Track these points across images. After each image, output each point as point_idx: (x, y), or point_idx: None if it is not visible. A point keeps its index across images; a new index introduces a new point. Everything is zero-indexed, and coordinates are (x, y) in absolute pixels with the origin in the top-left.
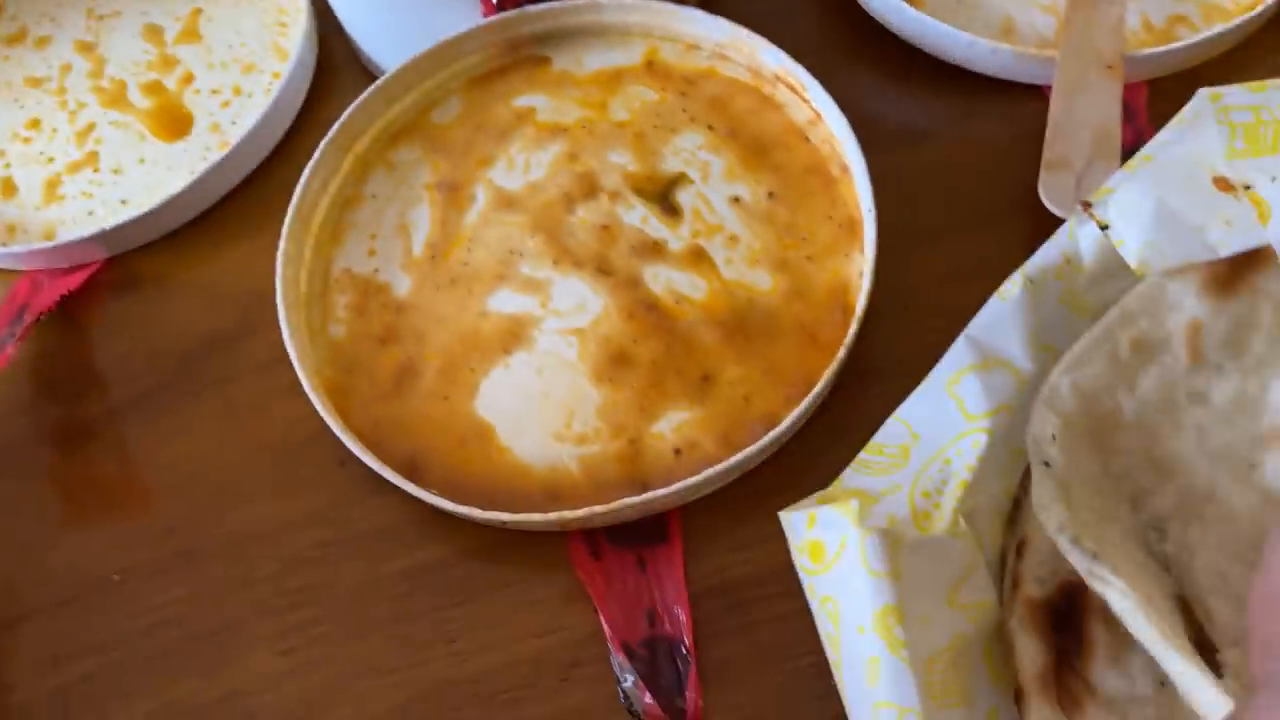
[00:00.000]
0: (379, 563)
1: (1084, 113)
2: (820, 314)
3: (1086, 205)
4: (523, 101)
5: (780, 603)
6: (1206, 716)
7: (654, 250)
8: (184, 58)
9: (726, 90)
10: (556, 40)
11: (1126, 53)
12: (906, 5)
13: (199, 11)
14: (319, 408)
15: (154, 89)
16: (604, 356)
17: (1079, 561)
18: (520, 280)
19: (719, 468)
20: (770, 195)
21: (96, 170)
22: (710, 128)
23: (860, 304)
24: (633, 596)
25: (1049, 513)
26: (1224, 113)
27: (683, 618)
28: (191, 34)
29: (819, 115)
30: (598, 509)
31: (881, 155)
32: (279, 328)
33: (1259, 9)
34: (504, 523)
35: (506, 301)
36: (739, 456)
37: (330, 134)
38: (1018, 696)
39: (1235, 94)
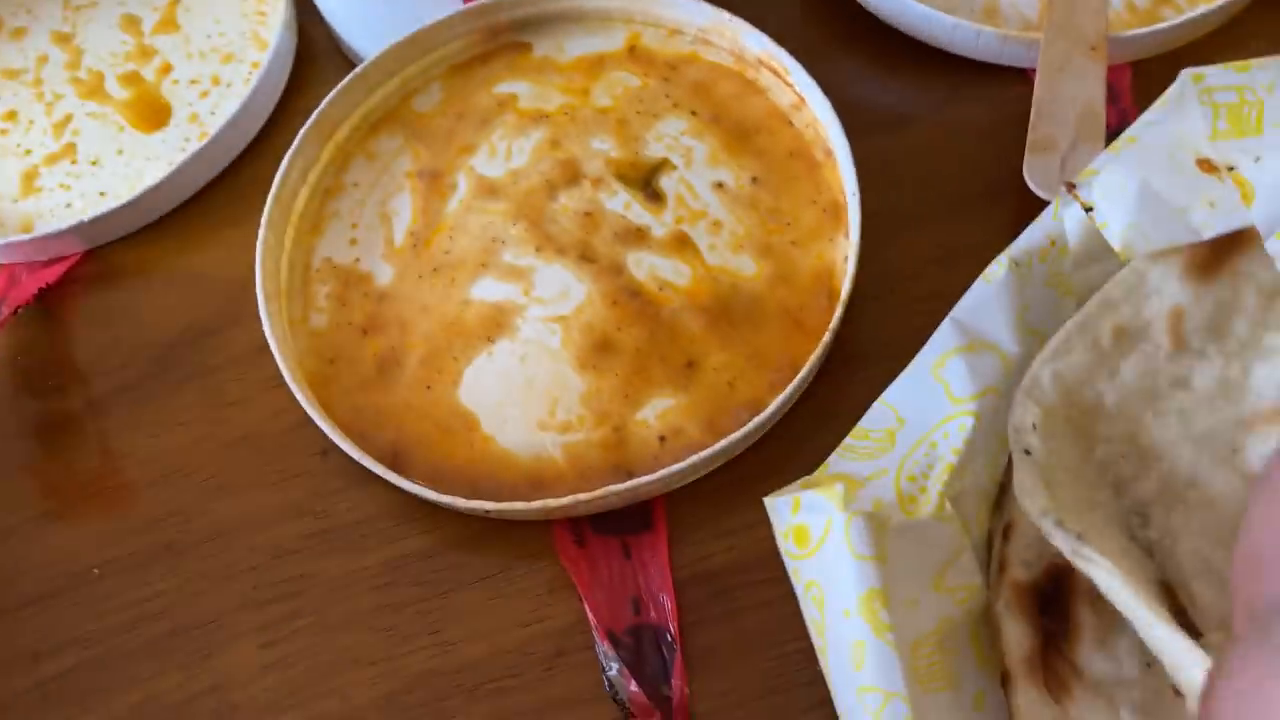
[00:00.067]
0: (362, 554)
1: (1068, 95)
2: (805, 299)
3: (1070, 187)
4: (504, 88)
5: (765, 589)
6: (1186, 677)
7: (637, 237)
8: (162, 48)
9: (709, 75)
10: (537, 26)
11: (1110, 34)
12: None
13: (177, 1)
14: (300, 398)
15: (132, 80)
16: (587, 344)
17: (1063, 543)
18: (503, 268)
19: (704, 454)
20: (754, 180)
21: (74, 162)
22: (693, 113)
23: (845, 288)
24: (617, 584)
25: (1031, 498)
26: (1207, 94)
27: (668, 605)
28: (169, 24)
29: (802, 100)
30: (582, 497)
31: (865, 139)
32: (259, 318)
33: None
34: (487, 512)
35: (489, 290)
36: (724, 443)
37: (309, 122)
38: (1004, 680)
39: (1218, 74)
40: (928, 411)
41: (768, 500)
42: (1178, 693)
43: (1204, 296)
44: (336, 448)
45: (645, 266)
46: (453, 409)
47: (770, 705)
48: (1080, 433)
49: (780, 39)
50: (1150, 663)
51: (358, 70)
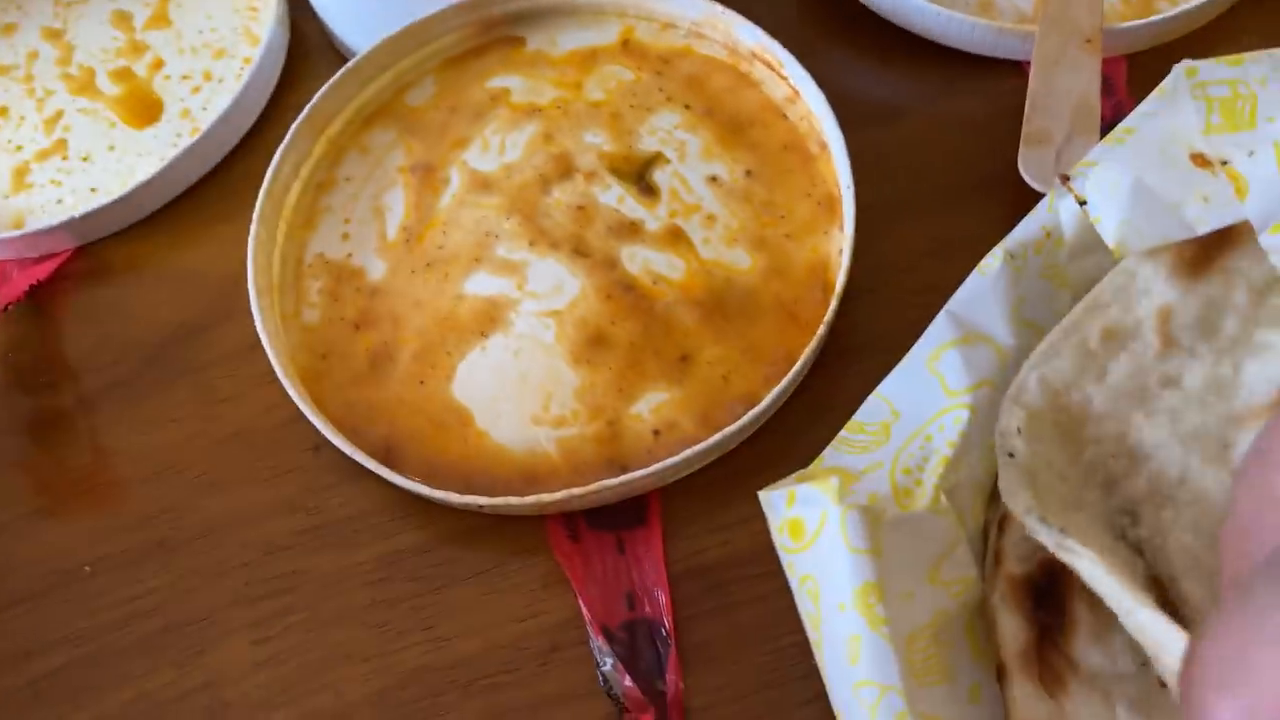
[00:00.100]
0: (355, 550)
1: (1063, 87)
2: (799, 292)
3: (1065, 179)
4: (497, 82)
5: (760, 583)
6: (1169, 659)
7: (631, 231)
8: (153, 43)
9: (703, 68)
10: (531, 20)
11: (1105, 27)
12: None
13: None
14: (292, 394)
15: (123, 75)
16: (581, 338)
17: (1047, 538)
18: (496, 262)
19: (698, 448)
20: (748, 173)
21: (65, 158)
22: (687, 106)
23: (840, 281)
24: (612, 579)
25: (1014, 498)
26: (1200, 88)
27: (662, 600)
28: (161, 19)
29: (797, 92)
30: (575, 491)
31: (860, 132)
32: (251, 314)
33: None
34: (481, 507)
35: (482, 284)
36: (718, 436)
37: (301, 117)
38: (999, 673)
39: (1212, 68)
40: (923, 404)
41: (762, 494)
42: (1164, 684)
43: (1193, 294)
44: (329, 443)
45: (639, 260)
46: (446, 404)
47: (765, 700)
48: (1068, 437)
49: (774, 32)
50: (1146, 659)
51: (350, 64)
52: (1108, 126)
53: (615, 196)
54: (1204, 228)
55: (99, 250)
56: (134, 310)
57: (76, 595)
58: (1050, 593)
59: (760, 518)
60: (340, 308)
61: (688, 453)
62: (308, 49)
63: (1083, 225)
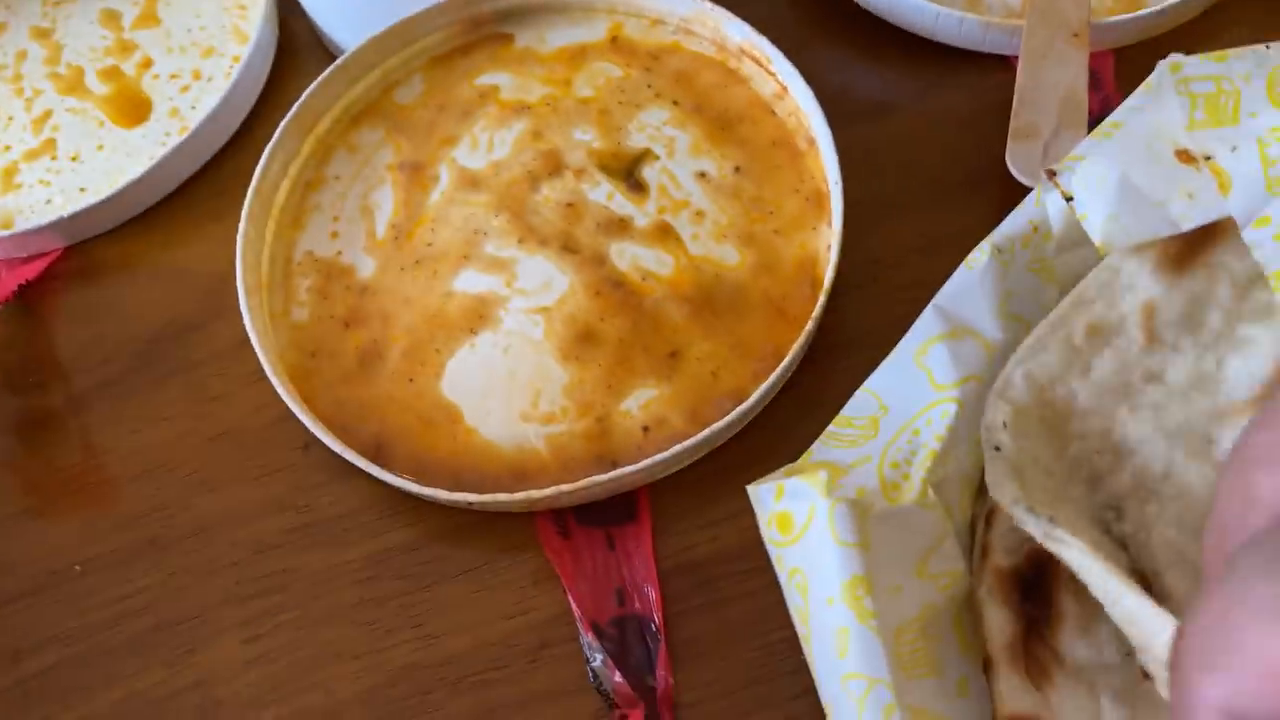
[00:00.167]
0: (344, 548)
1: (1051, 81)
2: (788, 288)
3: (1051, 174)
4: (486, 80)
5: (750, 579)
6: (1157, 645)
7: (620, 227)
8: (142, 42)
9: (692, 65)
10: (519, 17)
11: (1093, 21)
12: None
13: None
14: (281, 392)
15: (112, 75)
16: (570, 335)
17: (1035, 528)
18: (485, 260)
19: (687, 444)
20: (736, 170)
21: (54, 158)
22: (675, 103)
23: (828, 277)
24: (601, 575)
25: (1001, 489)
26: (1184, 83)
27: (652, 596)
28: (149, 18)
29: (785, 88)
30: (565, 488)
31: (848, 128)
32: (241, 312)
33: None
34: (470, 504)
35: (471, 281)
36: (707, 432)
37: (290, 115)
38: (986, 666)
39: (1196, 64)
40: (910, 399)
41: (751, 488)
42: (1147, 675)
43: (1177, 290)
44: (319, 442)
45: (628, 257)
46: (435, 401)
47: (754, 694)
48: (1053, 432)
49: (762, 28)
50: (1131, 650)
51: (338, 62)
52: (1095, 121)
53: (604, 193)
54: (1188, 224)
55: (88, 250)
56: (123, 309)
57: (66, 594)
58: (1037, 585)
59: (749, 513)
60: (329, 306)
61: (677, 448)
62: (297, 47)
63: (1070, 219)
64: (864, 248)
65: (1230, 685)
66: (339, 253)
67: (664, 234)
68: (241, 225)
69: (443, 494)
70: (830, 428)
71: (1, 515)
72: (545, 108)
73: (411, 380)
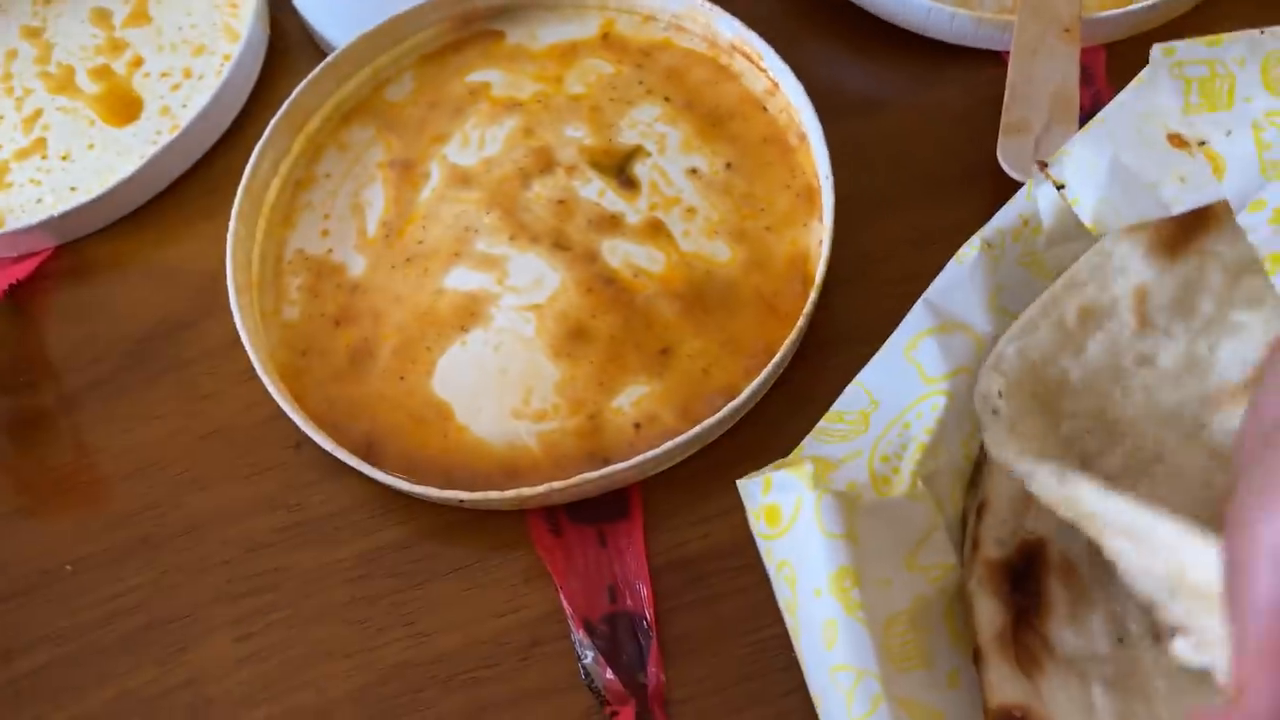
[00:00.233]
0: (336, 546)
1: (1042, 76)
2: (779, 284)
3: (1043, 165)
4: (477, 77)
5: (742, 575)
6: (1196, 566)
7: (611, 224)
8: (133, 41)
9: (683, 61)
10: (510, 14)
11: (1084, 16)
12: None
13: None
14: (272, 390)
15: (102, 73)
16: (562, 332)
17: (1048, 478)
18: (476, 257)
19: (679, 440)
20: (728, 166)
21: (45, 157)
22: (667, 99)
23: (819, 273)
24: (593, 572)
25: (1003, 447)
26: (1178, 67)
27: (644, 592)
28: (140, 16)
29: (776, 85)
30: (556, 485)
31: (840, 124)
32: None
33: None
34: (461, 501)
35: (462, 279)
36: (698, 429)
37: (280, 113)
38: (976, 656)
39: (1189, 49)
40: (901, 392)
41: (740, 482)
42: (1159, 637)
43: (1169, 275)
44: (310, 440)
45: (619, 253)
46: (426, 399)
47: (746, 691)
48: (1046, 407)
49: (754, 24)
50: (1122, 638)
51: (328, 60)
52: (1086, 116)
53: (595, 190)
54: (1180, 208)
55: (79, 249)
56: (115, 308)
57: (58, 594)
58: (1027, 576)
59: (741, 510)
60: (320, 304)
61: (668, 445)
62: (288, 45)
63: (1061, 213)
64: (855, 243)
65: None
66: (330, 251)
67: (655, 231)
68: (232, 224)
69: (434, 492)
70: (821, 423)
71: None
72: (536, 105)
73: (402, 378)
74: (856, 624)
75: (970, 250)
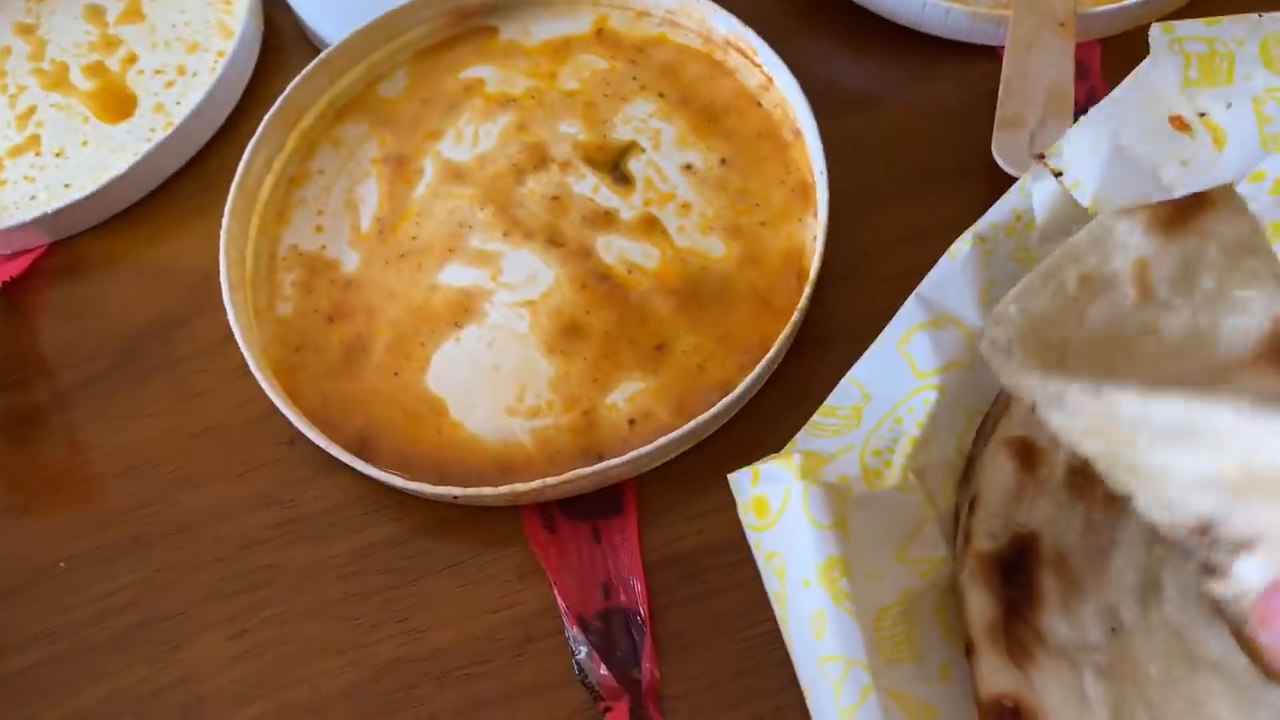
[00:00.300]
0: (329, 543)
1: (1037, 71)
2: (774, 279)
3: (1041, 158)
4: (470, 73)
5: (736, 571)
6: (1268, 437)
7: (605, 220)
8: (126, 38)
9: (677, 57)
10: (504, 10)
11: (1079, 10)
12: None
13: None
14: (265, 387)
15: (96, 70)
16: (556, 328)
17: (1081, 394)
18: (470, 253)
19: (673, 436)
20: (722, 162)
21: (38, 154)
22: (661, 95)
23: (814, 268)
24: (587, 568)
25: (1026, 375)
26: (1177, 43)
27: (638, 588)
28: (134, 13)
29: (770, 80)
30: (550, 481)
31: (835, 119)
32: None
33: None
34: (455, 498)
35: (456, 275)
36: (693, 424)
37: (273, 110)
38: (968, 649)
39: (1188, 27)
40: (893, 387)
41: (731, 476)
42: (1213, 568)
43: (1169, 249)
44: (304, 436)
45: (614, 249)
46: (420, 395)
47: (741, 686)
48: (1049, 366)
49: (749, 20)
50: (1115, 628)
51: (322, 56)
52: (1081, 111)
53: (590, 186)
54: (1181, 191)
55: (73, 246)
56: (108, 306)
57: (50, 592)
58: (1018, 568)
59: (735, 506)
60: (314, 300)
61: (663, 441)
62: (282, 41)
63: (1055, 207)
64: (850, 239)
65: None
66: (323, 247)
67: (650, 226)
68: (225, 220)
69: (428, 488)
70: (814, 417)
71: None
72: (530, 100)
73: (396, 374)
74: (845, 614)
75: (963, 245)
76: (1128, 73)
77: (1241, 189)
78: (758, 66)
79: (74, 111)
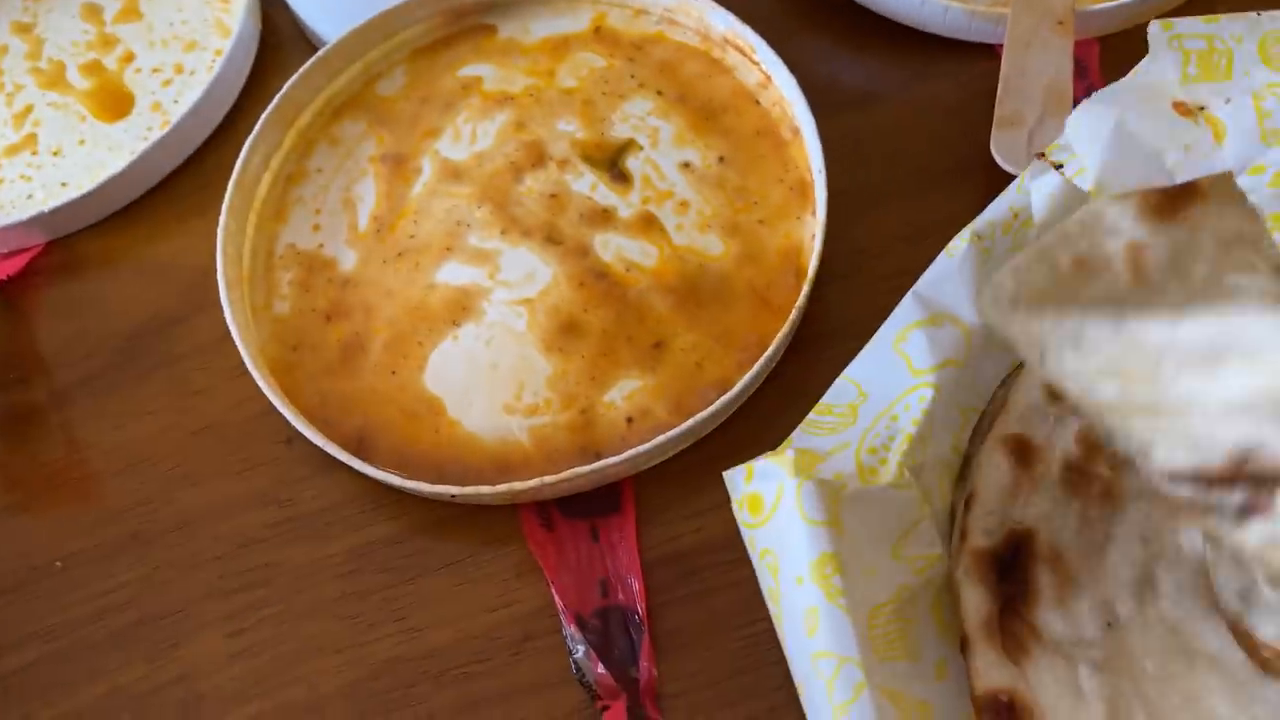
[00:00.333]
0: (327, 542)
1: (1035, 69)
2: (772, 277)
3: (1042, 155)
4: (468, 71)
5: (734, 569)
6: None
7: (603, 218)
8: (124, 36)
9: (675, 55)
10: (502, 8)
11: (1078, 8)
12: None
13: None
14: (263, 386)
15: (93, 69)
16: (553, 326)
17: (1100, 328)
18: (468, 251)
19: (671, 434)
20: (721, 160)
21: (35, 153)
22: (659, 93)
23: (812, 266)
24: (585, 567)
25: (1040, 316)
26: (1176, 40)
27: (636, 587)
28: (131, 12)
29: (769, 78)
30: (548, 479)
31: (833, 118)
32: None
33: None
34: (453, 496)
35: (454, 273)
36: (691, 422)
37: (270, 108)
38: (963, 646)
39: (1187, 23)
40: (889, 385)
41: (726, 473)
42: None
43: (1161, 235)
44: (301, 435)
45: (612, 248)
46: (418, 394)
47: (739, 685)
48: None
49: (746, 18)
50: (1110, 622)
51: (319, 54)
52: None
53: (588, 184)
54: (1183, 176)
55: (70, 244)
56: (106, 304)
57: (48, 590)
58: (1014, 565)
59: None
60: (311, 299)
61: (660, 439)
62: (280, 40)
63: (1053, 204)
64: (849, 237)
65: None
66: (321, 245)
67: (648, 224)
68: (222, 219)
69: (425, 487)
70: (810, 415)
71: None
72: (528, 99)
73: (394, 373)
74: (838, 611)
75: (960, 243)
76: (1126, 71)
77: (1241, 181)
78: (756, 64)
79: (71, 110)
